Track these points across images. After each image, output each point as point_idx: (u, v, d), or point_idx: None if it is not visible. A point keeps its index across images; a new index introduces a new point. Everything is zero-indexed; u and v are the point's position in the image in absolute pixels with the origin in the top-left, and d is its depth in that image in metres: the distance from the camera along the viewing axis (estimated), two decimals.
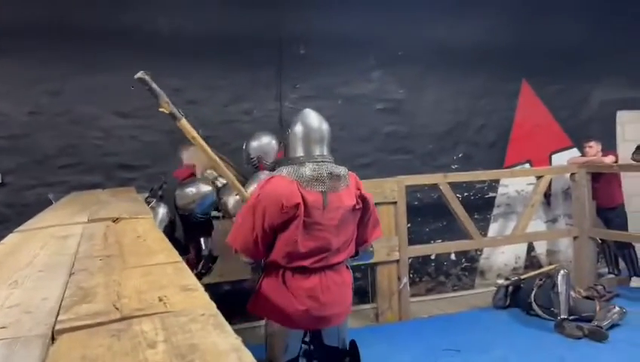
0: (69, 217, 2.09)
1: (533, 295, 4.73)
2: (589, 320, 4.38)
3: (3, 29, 4.36)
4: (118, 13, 4.66)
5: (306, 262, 2.51)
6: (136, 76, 2.82)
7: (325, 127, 2.73)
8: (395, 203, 4.87)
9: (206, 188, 3.49)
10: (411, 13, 5.44)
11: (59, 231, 1.71)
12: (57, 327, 0.74)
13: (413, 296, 5.18)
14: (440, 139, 5.75)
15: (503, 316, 4.90)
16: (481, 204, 5.88)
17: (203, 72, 4.96)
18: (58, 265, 1.17)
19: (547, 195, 6.00)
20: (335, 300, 2.58)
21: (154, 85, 2.88)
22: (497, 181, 5.94)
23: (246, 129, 4.99)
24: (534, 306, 4.71)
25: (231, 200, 3.38)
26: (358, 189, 2.69)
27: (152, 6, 4.78)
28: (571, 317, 4.41)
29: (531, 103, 6.04)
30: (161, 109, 2.93)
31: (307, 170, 2.53)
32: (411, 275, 5.35)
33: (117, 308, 0.80)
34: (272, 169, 3.34)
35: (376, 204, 4.70)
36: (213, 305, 0.80)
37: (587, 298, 4.82)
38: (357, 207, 2.63)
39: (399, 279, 4.91)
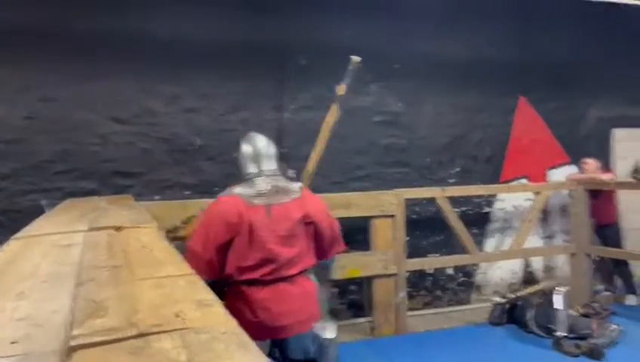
0: (68, 225, 2.04)
1: (531, 313, 4.70)
2: (586, 337, 4.35)
3: None
4: (115, 19, 4.63)
5: (256, 274, 2.59)
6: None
7: (272, 145, 2.91)
8: (394, 216, 4.84)
9: None
10: (409, 26, 5.45)
11: (60, 240, 1.66)
12: (72, 343, 0.70)
13: (409, 309, 5.13)
14: (438, 153, 5.74)
15: (499, 332, 4.86)
16: (478, 218, 5.86)
17: (201, 80, 4.93)
18: (63, 275, 1.13)
19: (544, 211, 5.99)
20: (291, 310, 2.62)
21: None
22: (494, 196, 5.94)
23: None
24: (531, 324, 4.68)
25: None
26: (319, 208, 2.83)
27: (151, 13, 4.75)
28: (569, 335, 4.38)
29: (528, 119, 6.06)
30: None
31: (255, 185, 2.70)
32: (408, 289, 5.30)
33: (133, 324, 0.76)
34: None
35: (373, 217, 4.75)
36: (234, 321, 0.76)
37: (584, 315, 4.79)
38: (307, 220, 2.72)
39: (396, 293, 4.86)
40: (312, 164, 3.86)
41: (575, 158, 6.06)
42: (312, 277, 2.79)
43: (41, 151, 4.46)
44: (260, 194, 2.66)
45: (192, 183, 4.85)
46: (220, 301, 0.87)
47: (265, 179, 2.72)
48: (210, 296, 0.91)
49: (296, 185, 2.82)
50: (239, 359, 0.61)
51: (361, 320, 5.07)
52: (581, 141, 6.22)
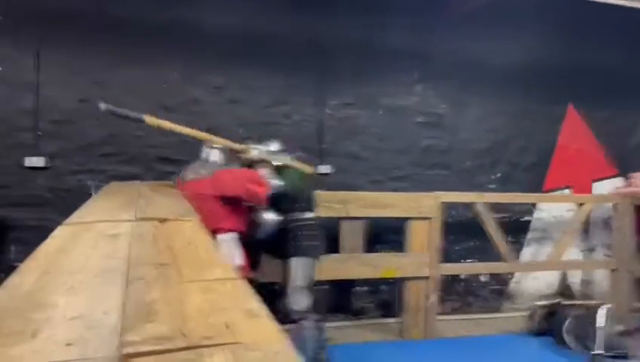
0: (116, 212, 2.09)
1: (569, 324, 4.58)
2: (623, 357, 4.22)
3: (53, 19, 4.43)
4: (162, 7, 4.71)
5: None
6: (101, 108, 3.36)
7: None
8: (430, 218, 4.78)
9: None
10: (457, 27, 5.35)
11: (108, 229, 1.70)
12: (125, 350, 0.71)
13: (439, 314, 5.08)
14: (479, 157, 5.64)
15: (530, 342, 4.74)
16: (516, 226, 5.74)
17: (245, 72, 4.96)
18: (113, 270, 1.16)
19: (586, 223, 5.81)
20: None
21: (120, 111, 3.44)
22: (534, 205, 5.79)
23: (285, 132, 4.99)
24: (567, 335, 4.56)
25: None
26: None
27: (200, 3, 4.80)
28: (605, 354, 4.25)
29: (576, 128, 5.88)
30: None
31: None
32: (439, 293, 5.24)
33: (184, 334, 0.77)
34: None
35: (410, 218, 4.71)
36: (283, 337, 0.77)
37: (621, 334, 4.64)
38: None
39: (427, 296, 4.82)
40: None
41: (622, 171, 5.86)
42: None
43: (89, 134, 4.58)
44: None
45: None
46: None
47: None
48: (257, 303, 0.91)
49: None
50: None
51: (390, 320, 5.05)
52: (631, 153, 6.00)
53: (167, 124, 3.54)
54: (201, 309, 0.89)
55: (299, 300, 3.59)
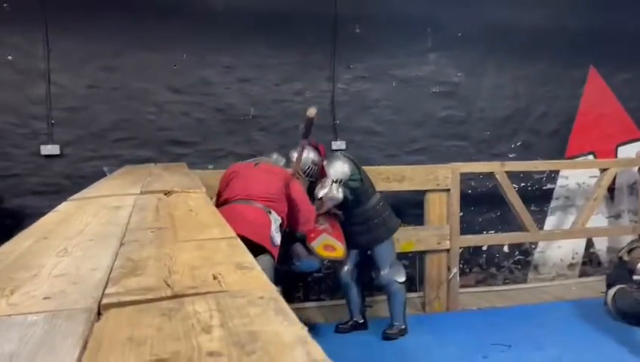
0: (122, 188, 2.08)
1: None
2: None
3: (59, 6, 4.42)
4: None
5: None
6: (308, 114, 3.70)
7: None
8: (449, 190, 4.70)
9: None
10: None
11: (112, 202, 1.68)
12: (104, 301, 0.68)
13: (461, 286, 5.01)
14: (498, 126, 5.50)
15: (557, 312, 4.65)
16: (538, 195, 5.61)
17: (255, 51, 4.89)
18: (109, 234, 1.12)
19: (611, 189, 5.65)
20: None
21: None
22: (557, 172, 5.64)
23: (298, 109, 4.92)
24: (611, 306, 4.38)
25: None
26: None
27: None
28: None
29: (599, 91, 5.68)
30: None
31: None
32: (461, 266, 5.18)
33: (168, 285, 0.73)
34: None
35: (428, 190, 4.64)
36: (273, 287, 0.72)
37: None
38: None
39: (449, 269, 4.76)
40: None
41: None
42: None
43: (101, 119, 4.59)
44: None
45: (245, 153, 4.85)
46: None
47: None
48: (250, 258, 0.87)
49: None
50: (274, 324, 0.57)
51: (413, 295, 4.99)
52: None
53: None
54: (191, 264, 0.85)
55: (398, 271, 4.14)
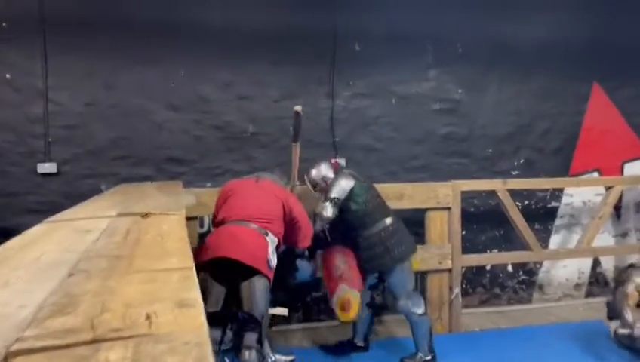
0: (103, 210, 2.02)
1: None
2: None
3: (57, 24, 4.43)
4: (168, 6, 4.65)
5: None
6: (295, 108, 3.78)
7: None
8: (449, 208, 4.61)
9: None
10: (472, 8, 5.15)
11: (85, 225, 1.63)
12: (15, 347, 0.62)
13: (465, 307, 4.89)
14: (500, 143, 5.42)
15: (563, 334, 4.51)
16: (542, 213, 5.50)
17: (254, 67, 4.87)
18: (62, 263, 1.07)
19: (617, 207, 5.54)
20: None
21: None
22: (561, 190, 5.54)
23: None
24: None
25: None
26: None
27: (203, 0, 4.74)
28: None
29: (603, 107, 5.59)
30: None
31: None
32: (464, 286, 5.07)
33: (92, 327, 0.67)
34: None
35: (429, 209, 4.56)
36: (205, 329, 0.66)
37: None
38: None
39: (451, 289, 4.65)
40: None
41: None
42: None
43: (99, 137, 4.57)
44: None
45: (244, 170, 4.80)
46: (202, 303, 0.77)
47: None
48: (195, 294, 0.81)
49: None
50: None
51: None
52: None
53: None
54: (130, 300, 0.79)
55: (417, 303, 3.88)
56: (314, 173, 3.94)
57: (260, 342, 3.15)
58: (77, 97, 4.54)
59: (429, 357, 3.88)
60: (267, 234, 3.24)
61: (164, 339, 0.62)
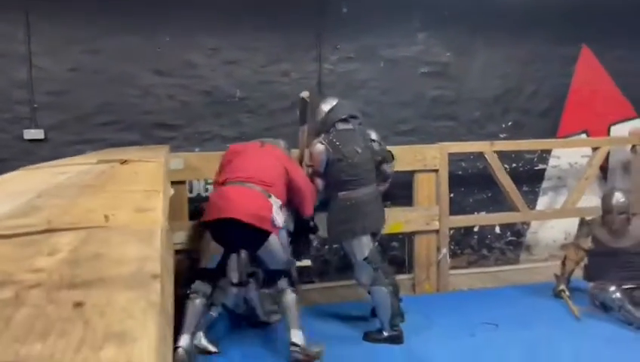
0: (84, 160, 2.03)
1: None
2: None
3: None
4: None
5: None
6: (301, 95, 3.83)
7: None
8: (437, 171, 4.64)
9: None
10: None
11: (63, 170, 1.63)
12: None
13: (453, 268, 4.96)
14: (488, 106, 5.42)
15: (549, 292, 4.58)
16: (530, 175, 5.54)
17: (240, 32, 4.82)
18: (32, 191, 1.08)
19: (604, 169, 5.58)
20: None
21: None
22: (549, 152, 5.57)
23: (284, 91, 4.88)
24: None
25: None
26: None
27: None
28: None
29: (591, 69, 5.58)
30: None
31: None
32: (452, 247, 5.13)
33: (49, 222, 0.69)
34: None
35: (416, 171, 4.58)
36: (164, 223, 0.68)
37: None
38: None
39: (438, 250, 4.71)
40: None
41: None
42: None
43: (85, 103, 4.54)
44: None
45: (232, 136, 4.82)
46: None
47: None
48: (156, 204, 0.83)
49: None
50: (128, 249, 0.52)
51: (403, 276, 4.94)
52: None
53: None
54: (92, 207, 0.81)
55: (361, 271, 3.77)
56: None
57: (292, 284, 3.47)
58: (61, 63, 4.49)
59: (386, 334, 3.64)
60: (270, 196, 3.33)
61: (117, 230, 0.64)
